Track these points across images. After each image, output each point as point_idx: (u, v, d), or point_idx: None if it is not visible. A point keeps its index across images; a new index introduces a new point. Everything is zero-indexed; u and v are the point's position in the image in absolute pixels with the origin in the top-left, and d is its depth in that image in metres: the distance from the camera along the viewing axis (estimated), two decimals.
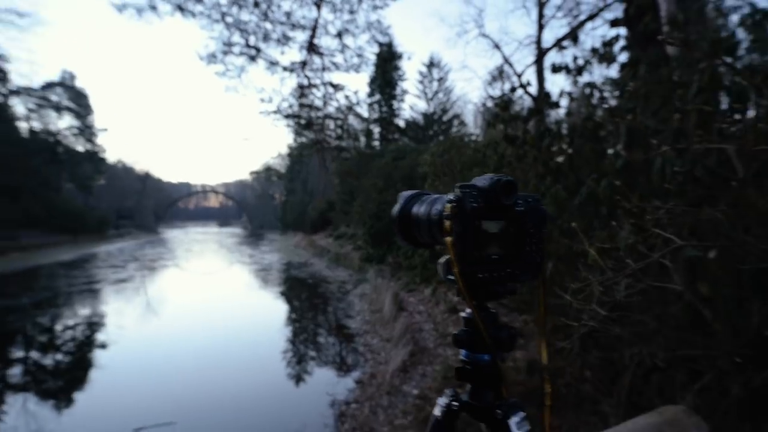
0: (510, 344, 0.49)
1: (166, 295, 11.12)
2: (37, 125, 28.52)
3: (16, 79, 26.11)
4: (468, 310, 0.49)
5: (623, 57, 2.88)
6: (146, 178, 45.40)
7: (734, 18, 2.62)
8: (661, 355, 1.37)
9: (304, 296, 10.51)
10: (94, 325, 7.83)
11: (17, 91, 26.00)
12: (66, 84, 30.62)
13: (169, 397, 4.47)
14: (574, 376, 2.49)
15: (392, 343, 5.61)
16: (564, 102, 3.34)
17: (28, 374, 5.53)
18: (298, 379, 5.24)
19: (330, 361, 5.93)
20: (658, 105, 2.05)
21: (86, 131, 31.39)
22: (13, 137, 24.40)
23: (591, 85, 2.53)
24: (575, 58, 2.77)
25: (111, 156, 41.06)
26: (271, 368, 5.47)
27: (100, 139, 34.86)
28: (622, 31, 4.22)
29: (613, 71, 2.83)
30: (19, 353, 6.49)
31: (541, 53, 10.74)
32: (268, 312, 9.01)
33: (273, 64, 8.50)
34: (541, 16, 11.05)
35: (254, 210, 44.95)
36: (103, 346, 6.60)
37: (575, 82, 3.04)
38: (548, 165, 2.62)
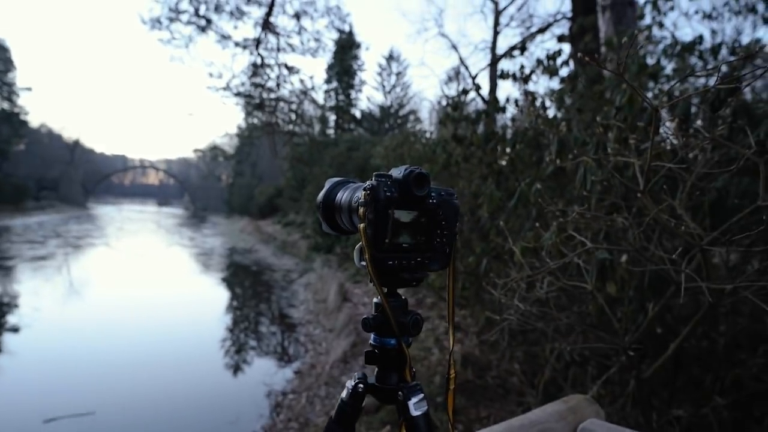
0: (415, 329, 0.50)
1: (92, 276, 10.25)
2: None
3: None
4: (378, 298, 0.50)
5: (565, 71, 3.06)
6: (75, 146, 41.19)
7: (660, 47, 2.89)
8: (576, 350, 1.51)
9: (247, 284, 10.18)
10: (3, 306, 7.03)
11: None
12: None
13: (90, 387, 4.15)
14: (503, 368, 2.65)
15: (335, 333, 5.62)
16: (511, 108, 3.49)
17: None
18: (235, 369, 5.08)
19: (269, 351, 5.82)
20: (590, 118, 2.21)
21: (5, 89, 27.85)
22: None
23: (530, 93, 2.67)
24: (522, 67, 2.90)
25: (34, 119, 36.70)
26: (206, 359, 5.26)
27: (22, 100, 31.02)
28: (566, 47, 4.48)
29: (556, 83, 3.01)
30: None
31: (495, 59, 11.16)
32: (207, 299, 8.62)
33: (225, 38, 8.03)
34: (496, 23, 11.46)
35: (198, 191, 42.49)
36: (14, 329, 5.96)
37: (523, 90, 3.19)
38: (492, 167, 2.73)
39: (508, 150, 2.99)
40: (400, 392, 0.49)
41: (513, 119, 3.41)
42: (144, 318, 6.66)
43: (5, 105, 28.08)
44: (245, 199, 26.75)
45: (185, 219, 30.88)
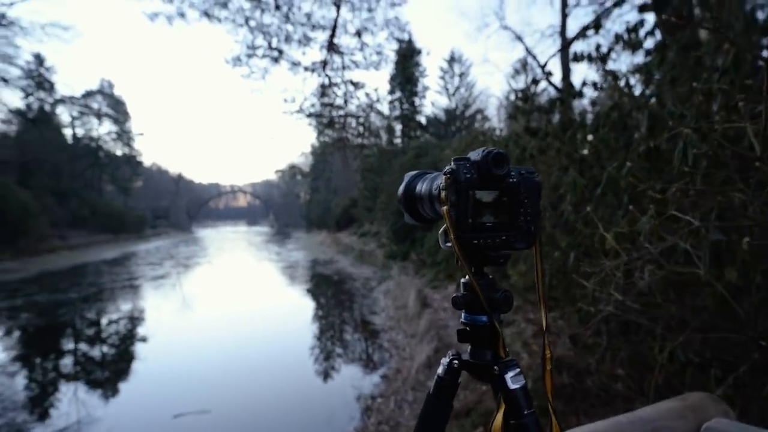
0: (506, 306, 0.50)
1: (200, 291, 11.57)
2: (80, 131, 30.30)
3: (61, 89, 27.72)
4: (466, 278, 0.51)
5: (650, 43, 2.77)
6: (179, 179, 47.27)
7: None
8: (692, 348, 1.32)
9: (330, 293, 10.68)
10: (135, 319, 8.27)
11: (62, 100, 27.61)
12: (105, 92, 32.26)
13: (205, 388, 4.68)
14: (604, 372, 2.43)
15: (417, 339, 5.63)
16: (589, 91, 3.25)
17: (77, 364, 5.92)
18: (325, 373, 5.35)
19: (355, 356, 6.02)
20: (687, 89, 1.97)
21: (124, 136, 32.98)
22: (59, 143, 26.00)
23: (611, 73, 2.45)
24: (598, 47, 2.69)
25: (147, 159, 43.00)
26: (299, 362, 5.62)
27: (137, 143, 36.61)
28: (650, 16, 4.06)
29: (640, 58, 2.73)
30: (69, 345, 6.96)
31: (566, 43, 10.40)
32: (296, 307, 9.22)
33: (295, 64, 8.65)
34: (564, 4, 10.70)
35: (280, 208, 45.92)
36: (143, 339, 6.97)
37: (602, 71, 2.95)
38: (572, 156, 2.56)
39: (589, 137, 2.79)
40: (495, 367, 0.50)
41: (593, 103, 3.16)
42: (244, 327, 7.34)
43: (125, 150, 33.27)
44: (322, 213, 28.23)
45: (271, 236, 33.49)
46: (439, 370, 0.54)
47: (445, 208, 0.47)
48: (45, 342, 6.93)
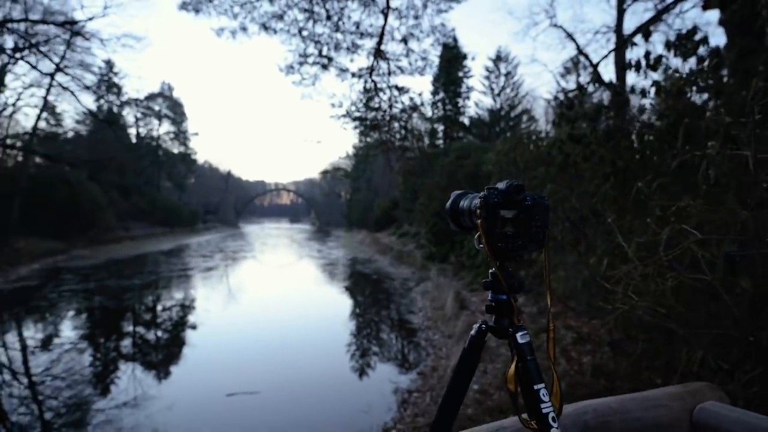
0: (519, 288, 0.71)
1: (245, 283, 12.26)
2: (142, 131, 32.90)
3: (127, 92, 30.23)
4: (492, 269, 0.72)
5: (706, 49, 2.71)
6: (228, 176, 49.83)
7: None
8: (719, 354, 1.36)
9: (368, 291, 10.95)
10: (187, 307, 8.96)
11: (128, 102, 30.11)
12: (165, 95, 34.78)
13: (252, 373, 5.05)
14: (639, 379, 2.44)
15: (453, 339, 5.72)
16: (639, 98, 3.21)
17: (135, 346, 6.53)
18: (364, 366, 5.57)
19: (393, 352, 6.20)
20: (740, 100, 1.97)
21: (181, 136, 35.36)
22: (125, 142, 28.38)
23: (656, 83, 2.45)
24: (647, 54, 2.68)
25: (200, 157, 45.80)
26: (340, 356, 5.88)
27: (192, 143, 38.99)
28: (714, 14, 3.90)
29: (692, 65, 2.68)
30: (129, 328, 7.68)
31: (621, 41, 9.97)
32: (336, 304, 9.55)
33: (343, 71, 9.00)
34: (621, 0, 10.25)
35: (322, 207, 47.17)
36: (193, 327, 7.53)
37: (652, 77, 2.92)
38: (615, 164, 2.59)
39: (635, 145, 2.79)
40: (510, 329, 0.70)
41: (641, 110, 3.13)
42: (286, 321, 7.75)
43: (182, 148, 35.64)
44: (362, 213, 28.71)
45: (312, 233, 34.53)
46: (473, 332, 0.73)
47: (479, 221, 0.68)
48: (112, 323, 7.71)
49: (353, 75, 9.05)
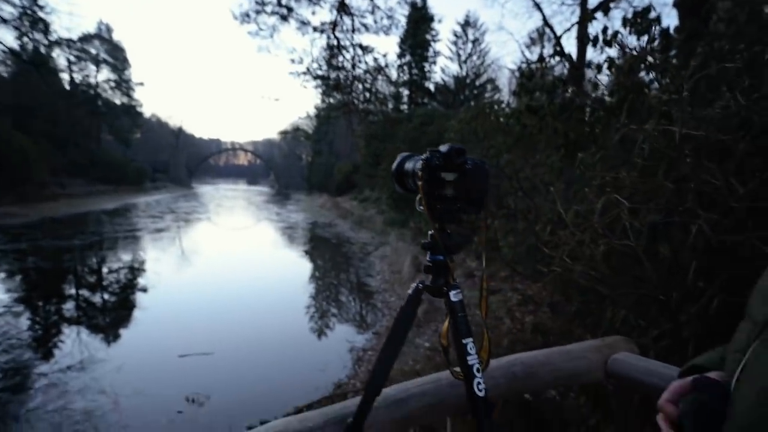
0: (456, 249, 0.74)
1: (200, 245, 11.87)
2: (77, 77, 29.58)
3: (57, 31, 26.80)
4: (431, 231, 0.74)
5: (657, 29, 2.82)
6: (180, 133, 46.68)
7: None
8: (639, 313, 1.54)
9: (328, 255, 11.00)
10: (136, 270, 8.57)
11: (57, 42, 26.71)
12: (103, 36, 31.23)
13: (206, 334, 5.00)
14: (572, 334, 2.69)
15: None
16: (590, 73, 3.31)
17: (80, 309, 6.21)
18: (322, 328, 5.69)
19: (350, 313, 6.37)
20: (680, 80, 2.08)
21: (123, 85, 32.24)
22: (56, 88, 25.47)
23: (609, 59, 2.54)
24: (605, 29, 2.74)
25: (147, 110, 42.32)
26: (298, 318, 5.95)
27: (137, 93, 35.77)
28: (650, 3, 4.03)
29: (643, 43, 2.79)
30: (71, 290, 7.27)
31: (585, 15, 10.10)
32: (295, 267, 9.54)
33: (304, 24, 8.47)
34: None
35: (281, 169, 45.77)
36: (143, 289, 7.25)
37: (606, 53, 3.01)
38: (567, 137, 2.69)
39: (586, 119, 2.90)
40: (445, 288, 0.74)
41: (594, 85, 3.24)
42: (242, 282, 7.66)
43: (125, 99, 32.65)
44: (324, 177, 28.24)
45: (271, 196, 33.67)
46: (409, 291, 0.75)
47: (420, 183, 0.69)
48: (50, 285, 7.24)
49: (315, 29, 8.57)
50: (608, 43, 2.89)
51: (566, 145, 2.59)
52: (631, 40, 2.93)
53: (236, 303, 6.38)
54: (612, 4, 8.81)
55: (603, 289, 1.55)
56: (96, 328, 5.40)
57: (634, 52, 2.70)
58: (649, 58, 2.43)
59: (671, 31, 2.93)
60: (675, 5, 3.92)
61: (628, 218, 1.30)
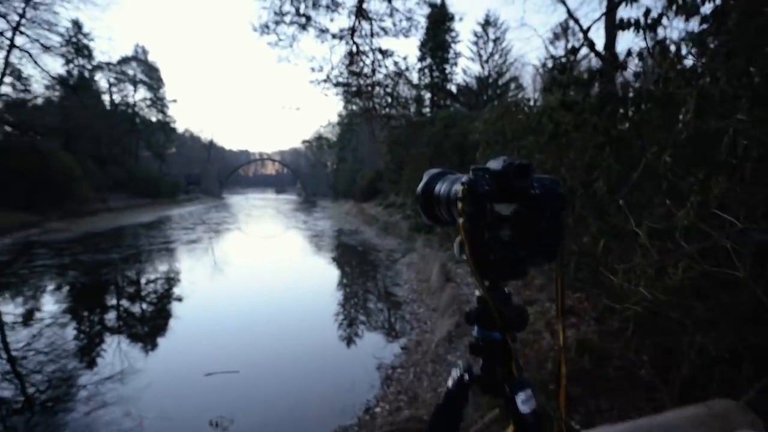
0: (520, 324, 0.49)
1: (230, 256, 12.05)
2: (117, 98, 31.26)
3: (98, 55, 28.42)
4: (479, 292, 0.51)
5: (708, 8, 2.49)
6: (210, 146, 48.38)
7: None
8: (724, 345, 1.25)
9: (355, 263, 10.87)
10: (171, 280, 8.77)
11: (99, 67, 28.36)
12: (140, 58, 32.88)
13: (234, 348, 4.95)
14: (628, 358, 2.38)
15: (438, 312, 5.69)
16: (634, 62, 3.00)
17: (120, 320, 6.39)
18: (348, 341, 5.53)
19: (377, 326, 6.17)
20: (743, 65, 1.78)
21: (158, 103, 33.76)
22: (98, 110, 26.98)
23: (660, 43, 2.23)
24: (647, 11, 2.44)
25: (180, 125, 44.09)
26: (323, 329, 5.82)
27: (171, 110, 37.44)
28: None
29: (695, 26, 2.47)
30: (112, 301, 7.50)
31: (612, 5, 9.58)
32: (321, 276, 9.47)
33: (323, 31, 8.44)
34: None
35: (308, 178, 46.43)
36: (179, 299, 7.39)
37: (649, 39, 2.70)
38: (609, 134, 2.41)
39: (630, 113, 2.60)
40: (506, 384, 0.49)
41: (637, 75, 2.92)
42: (272, 292, 7.64)
43: (160, 116, 34.16)
44: (349, 184, 28.35)
45: (298, 204, 34.12)
46: (449, 383, 0.53)
47: (461, 220, 0.45)
48: (91, 298, 7.49)
49: (334, 36, 8.53)
50: (652, 27, 2.58)
51: (610, 142, 2.31)
52: (674, 24, 2.61)
53: (262, 314, 6.34)
54: None
55: (680, 316, 1.28)
56: (135, 338, 5.51)
57: (682, 37, 2.39)
58: (706, 42, 2.12)
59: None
60: None
61: (727, 236, 1.03)
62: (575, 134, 2.87)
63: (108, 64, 28.78)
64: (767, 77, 1.16)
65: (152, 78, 33.30)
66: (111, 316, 6.58)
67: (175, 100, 37.98)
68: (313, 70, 10.18)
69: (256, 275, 9.42)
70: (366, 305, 7.28)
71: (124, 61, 30.89)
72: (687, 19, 2.45)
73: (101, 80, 29.58)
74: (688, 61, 2.54)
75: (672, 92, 2.20)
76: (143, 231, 16.47)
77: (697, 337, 1.29)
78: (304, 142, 43.42)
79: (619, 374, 2.42)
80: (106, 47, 46.65)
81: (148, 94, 33.14)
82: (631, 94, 2.77)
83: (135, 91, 32.21)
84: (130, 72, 31.90)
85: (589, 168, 2.40)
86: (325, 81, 9.88)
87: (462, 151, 10.69)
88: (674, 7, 2.50)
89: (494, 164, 0.46)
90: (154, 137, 33.52)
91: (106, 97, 30.12)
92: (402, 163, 14.39)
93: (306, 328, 5.81)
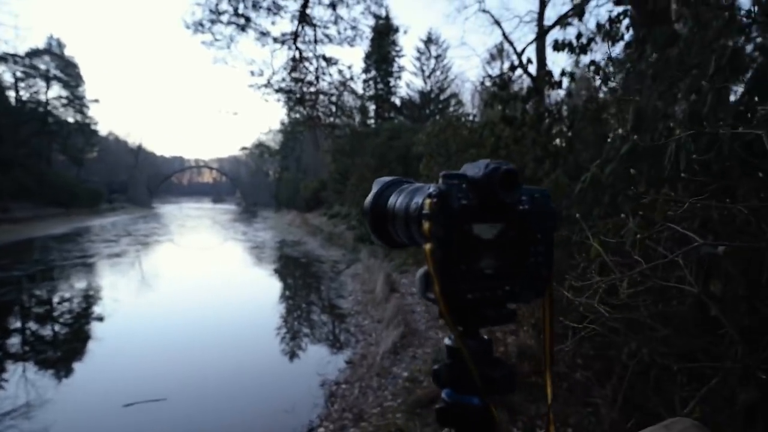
0: (506, 385, 0.37)
1: (160, 270, 11.05)
2: (25, 94, 27.71)
3: (1, 46, 25.13)
4: (450, 340, 0.39)
5: (629, 35, 2.73)
6: (139, 151, 44.66)
7: None
8: (660, 352, 1.32)
9: (297, 274, 10.51)
10: (88, 298, 7.79)
11: (3, 58, 25.03)
12: (54, 52, 29.56)
13: (162, 372, 4.47)
14: (565, 363, 2.47)
15: (383, 324, 5.62)
16: (565, 82, 3.20)
17: (26, 344, 5.53)
18: (289, 358, 5.25)
19: (321, 340, 5.95)
20: (666, 87, 1.94)
21: (76, 102, 30.53)
22: (1, 106, 23.71)
23: (594, 63, 2.40)
24: (579, 36, 2.62)
25: (103, 128, 40.16)
26: (263, 347, 5.48)
27: (92, 111, 33.98)
28: (627, 8, 4.05)
29: (618, 50, 2.70)
30: (15, 324, 6.47)
31: (543, 31, 10.42)
32: (261, 289, 9.00)
33: (263, 34, 8.15)
34: None
35: (248, 187, 44.51)
36: (99, 318, 6.57)
37: (578, 62, 2.90)
38: (547, 148, 2.52)
39: (564, 128, 2.75)
40: None
41: (570, 94, 3.13)
42: (206, 309, 7.07)
43: (78, 117, 30.88)
44: (292, 193, 27.61)
45: (238, 214, 32.52)
46: None
47: (428, 246, 0.33)
48: None
49: (275, 40, 8.26)
50: (583, 50, 2.77)
51: (548, 156, 2.42)
52: (603, 49, 2.82)
53: (195, 333, 5.82)
54: (568, 19, 9.17)
55: (621, 327, 1.31)
56: (44, 365, 4.79)
57: (612, 59, 2.59)
58: (632, 65, 2.31)
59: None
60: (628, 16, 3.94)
61: (669, 249, 1.07)
62: (515, 147, 2.99)
63: (13, 55, 25.51)
64: (699, 96, 1.26)
65: (69, 74, 30.07)
66: (14, 341, 5.67)
67: (96, 100, 34.60)
68: (252, 74, 9.81)
69: (189, 291, 8.69)
70: (309, 319, 7.01)
71: (35, 53, 27.56)
72: (613, 44, 2.67)
73: (5, 74, 26.11)
74: (613, 83, 2.76)
75: (600, 109, 2.36)
76: (55, 244, 14.60)
77: (633, 345, 1.34)
78: (243, 149, 41.70)
79: (559, 379, 2.50)
80: (11, 36, 41.20)
81: (64, 92, 29.84)
82: (564, 112, 2.94)
83: (48, 87, 28.83)
84: (42, 66, 28.52)
85: (530, 181, 2.49)
86: (266, 86, 9.53)
87: (406, 162, 10.87)
88: (601, 33, 2.71)
89: (472, 169, 0.35)
90: (70, 140, 30.15)
91: (11, 93, 26.58)
92: (347, 173, 14.30)
93: (244, 347, 5.43)
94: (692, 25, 2.26)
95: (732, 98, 1.42)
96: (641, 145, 1.30)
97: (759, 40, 1.85)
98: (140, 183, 41.65)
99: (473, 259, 0.35)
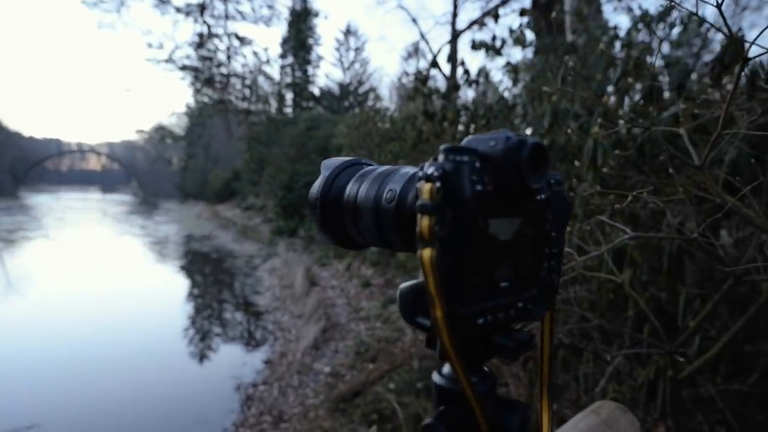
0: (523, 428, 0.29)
1: (32, 272, 9.34)
2: None
3: None
4: (444, 373, 0.29)
5: (536, 41, 2.98)
6: None
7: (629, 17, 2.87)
8: (565, 331, 1.47)
9: (208, 271, 9.72)
10: None
11: None
12: None
13: (37, 394, 3.77)
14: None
15: (303, 319, 5.46)
16: (481, 82, 3.38)
17: None
18: (199, 363, 4.83)
19: (236, 341, 5.58)
20: (572, 89, 2.13)
21: None
22: None
23: (509, 64, 2.57)
24: (494, 38, 2.78)
25: None
26: (167, 354, 4.96)
27: None
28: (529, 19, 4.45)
29: (528, 54, 2.92)
30: None
31: (455, 34, 10.99)
32: (165, 291, 8.13)
33: (163, 2, 7.24)
34: None
35: (147, 176, 39.70)
36: None
37: (488, 63, 3.08)
38: None
39: (482, 125, 2.90)
40: None
41: (484, 93, 3.32)
42: (95, 314, 6.15)
43: None
44: (200, 184, 25.34)
45: (134, 206, 28.88)
46: None
47: (427, 252, 0.23)
48: None
49: (178, 10, 7.40)
50: (497, 51, 2.94)
51: None
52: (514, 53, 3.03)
53: (81, 343, 5.03)
54: (475, 26, 9.85)
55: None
56: None
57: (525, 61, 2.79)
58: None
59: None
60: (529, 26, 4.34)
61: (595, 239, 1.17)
62: (436, 141, 3.08)
63: None
64: (600, 98, 1.42)
65: None
66: None
67: None
68: (150, 46, 8.71)
69: (71, 296, 7.47)
70: (222, 318, 6.53)
71: None
72: (523, 48, 2.88)
73: None
74: (523, 84, 2.99)
75: (510, 108, 2.53)
76: None
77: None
78: (139, 131, 37.10)
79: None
80: None
81: None
82: (480, 111, 3.11)
83: None
84: None
85: None
86: (167, 61, 8.51)
87: (325, 153, 10.66)
88: (513, 38, 2.90)
89: (484, 144, 0.26)
90: None
91: None
92: (262, 162, 13.57)
93: (144, 355, 4.84)
94: (587, 39, 2.54)
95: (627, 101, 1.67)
96: (555, 142, 1.44)
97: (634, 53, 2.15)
98: (2, 169, 34.63)
99: (488, 268, 0.26)
